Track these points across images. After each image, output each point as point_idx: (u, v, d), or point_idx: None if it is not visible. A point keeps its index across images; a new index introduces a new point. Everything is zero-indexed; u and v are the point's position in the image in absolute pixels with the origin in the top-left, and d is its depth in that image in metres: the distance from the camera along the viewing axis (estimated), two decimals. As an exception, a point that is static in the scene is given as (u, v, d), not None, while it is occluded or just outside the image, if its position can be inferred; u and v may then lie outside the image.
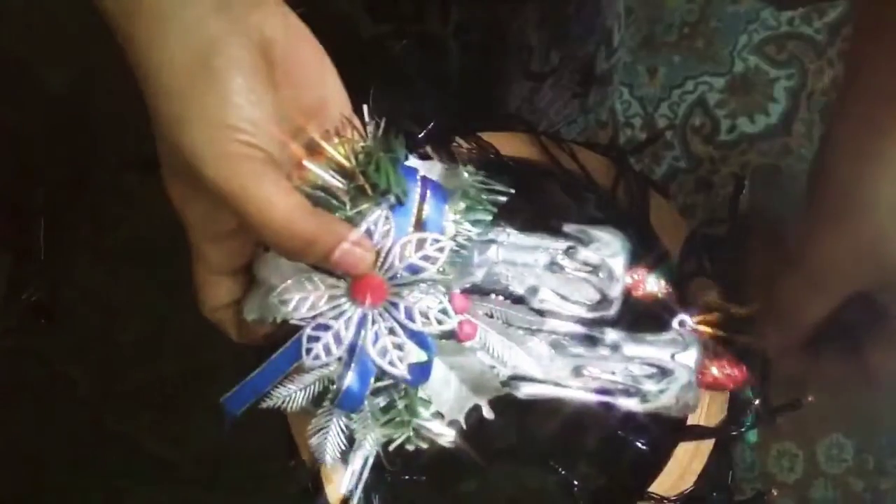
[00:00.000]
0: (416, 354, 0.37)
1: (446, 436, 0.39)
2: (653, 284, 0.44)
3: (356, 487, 0.39)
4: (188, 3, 0.33)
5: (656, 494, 0.46)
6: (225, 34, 0.33)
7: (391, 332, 0.37)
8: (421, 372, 0.38)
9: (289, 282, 0.37)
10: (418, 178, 0.39)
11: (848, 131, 0.37)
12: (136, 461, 0.87)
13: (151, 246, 0.90)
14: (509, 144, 0.51)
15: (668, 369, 0.43)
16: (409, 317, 0.37)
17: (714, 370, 0.44)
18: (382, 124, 0.39)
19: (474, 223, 0.39)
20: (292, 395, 0.38)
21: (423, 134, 0.48)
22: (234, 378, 0.39)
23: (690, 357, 0.43)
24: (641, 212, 0.50)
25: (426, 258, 0.37)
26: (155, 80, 0.33)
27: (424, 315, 0.37)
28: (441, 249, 0.37)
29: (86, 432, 0.88)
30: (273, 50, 0.35)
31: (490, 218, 0.40)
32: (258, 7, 0.35)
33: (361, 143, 0.38)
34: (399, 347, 0.37)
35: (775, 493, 0.46)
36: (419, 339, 0.37)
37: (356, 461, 0.39)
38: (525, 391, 0.42)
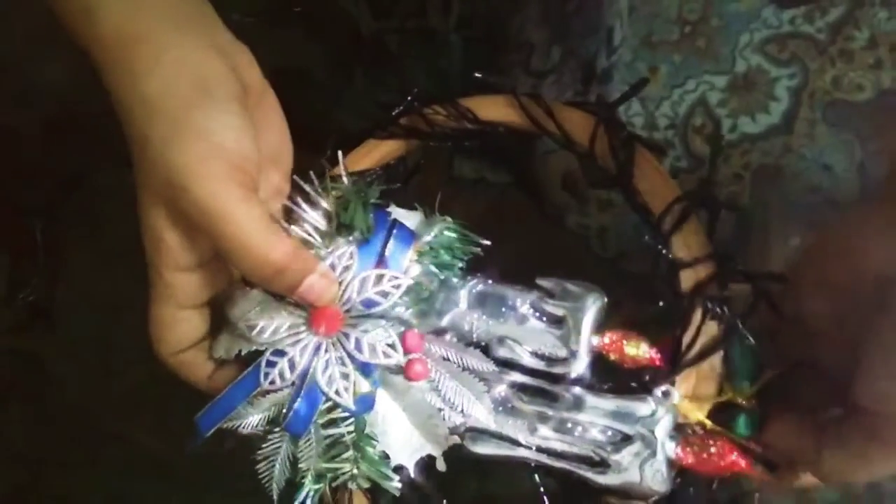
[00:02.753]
0: (364, 386, 0.38)
1: (392, 480, 0.39)
2: (633, 348, 0.41)
3: None
4: (188, 36, 0.36)
5: None
6: (221, 69, 0.36)
7: (341, 362, 0.38)
8: (364, 403, 0.39)
9: (256, 308, 0.39)
10: (389, 220, 0.41)
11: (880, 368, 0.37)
12: (134, 462, 0.86)
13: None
14: (488, 108, 0.49)
15: (630, 435, 0.40)
16: (359, 348, 0.38)
17: (699, 449, 0.39)
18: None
19: (441, 267, 0.41)
20: (249, 417, 0.39)
21: (400, 109, 0.47)
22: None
23: (661, 426, 0.39)
24: (624, 170, 0.45)
25: (382, 293, 0.39)
26: (151, 103, 0.35)
27: (372, 347, 0.38)
28: (398, 286, 0.39)
29: (83, 433, 0.88)
30: (250, 95, 0.38)
31: (459, 264, 0.41)
32: (241, 56, 0.39)
33: (339, 187, 0.41)
34: (346, 377, 0.38)
35: (757, 497, 0.45)
36: (367, 370, 0.39)
37: (299, 497, 0.39)
38: (481, 449, 0.41)
